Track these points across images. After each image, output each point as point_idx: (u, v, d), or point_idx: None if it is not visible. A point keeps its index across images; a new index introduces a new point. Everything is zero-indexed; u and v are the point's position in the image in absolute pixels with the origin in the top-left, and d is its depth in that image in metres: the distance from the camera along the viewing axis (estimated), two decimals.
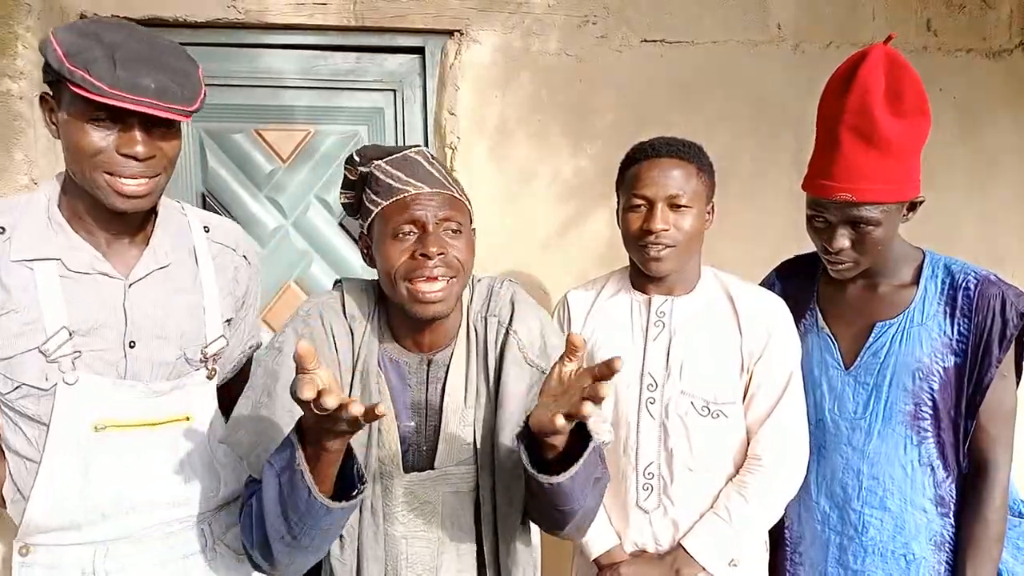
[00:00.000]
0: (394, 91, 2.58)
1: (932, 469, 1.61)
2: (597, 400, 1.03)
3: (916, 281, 1.64)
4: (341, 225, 2.60)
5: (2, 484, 1.41)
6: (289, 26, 2.39)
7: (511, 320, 1.43)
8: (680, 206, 1.60)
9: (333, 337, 1.40)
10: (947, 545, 1.62)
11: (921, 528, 1.62)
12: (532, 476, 1.17)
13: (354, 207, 1.47)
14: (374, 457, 1.39)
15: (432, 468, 1.40)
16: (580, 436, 1.19)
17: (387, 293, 1.37)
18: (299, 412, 1.20)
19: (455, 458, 1.41)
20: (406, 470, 1.40)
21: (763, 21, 2.70)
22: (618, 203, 1.74)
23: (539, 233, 2.60)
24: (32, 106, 2.00)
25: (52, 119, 1.32)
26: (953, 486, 1.62)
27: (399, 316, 1.40)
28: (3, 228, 1.33)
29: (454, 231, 1.34)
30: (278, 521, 1.18)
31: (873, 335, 1.64)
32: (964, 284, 1.58)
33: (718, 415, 1.64)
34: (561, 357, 1.15)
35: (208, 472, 1.48)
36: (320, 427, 1.09)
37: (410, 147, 1.41)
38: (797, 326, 1.73)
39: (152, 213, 1.47)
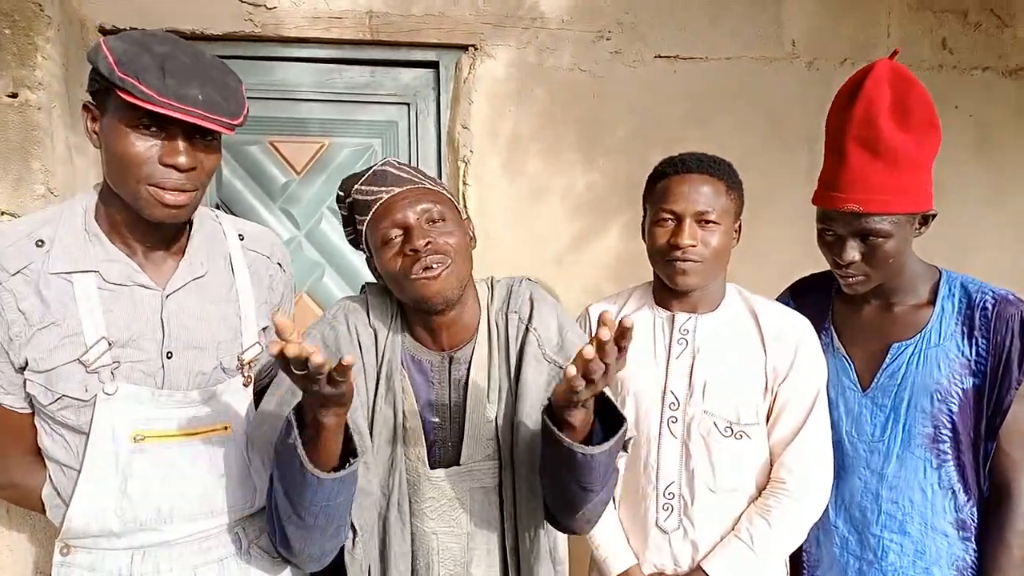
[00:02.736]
0: (408, 105, 2.59)
1: (953, 492, 1.59)
2: (603, 357, 1.05)
3: (932, 301, 1.62)
4: None
5: (42, 491, 1.42)
6: (305, 39, 2.41)
7: (530, 317, 1.47)
8: (708, 222, 1.58)
9: (358, 338, 1.45)
10: (969, 570, 1.60)
11: (942, 553, 1.60)
12: (566, 446, 1.19)
13: (356, 239, 1.51)
14: (399, 454, 1.43)
15: (458, 464, 1.43)
16: (602, 422, 1.25)
17: (398, 296, 1.42)
18: None
19: (480, 453, 1.44)
20: (432, 466, 1.44)
21: (777, 37, 2.69)
22: (644, 216, 1.73)
23: (551, 247, 2.60)
24: (50, 116, 2.02)
25: (94, 128, 1.33)
26: (974, 510, 1.60)
27: (416, 316, 1.44)
28: (42, 241, 1.34)
29: (435, 220, 1.37)
30: (284, 501, 1.24)
31: (890, 356, 1.63)
32: (981, 304, 1.56)
33: (741, 436, 1.62)
34: (590, 340, 1.17)
35: (244, 482, 1.48)
36: (309, 396, 1.14)
37: (378, 163, 1.46)
38: None
39: (187, 223, 1.48)
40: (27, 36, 1.98)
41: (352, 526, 1.37)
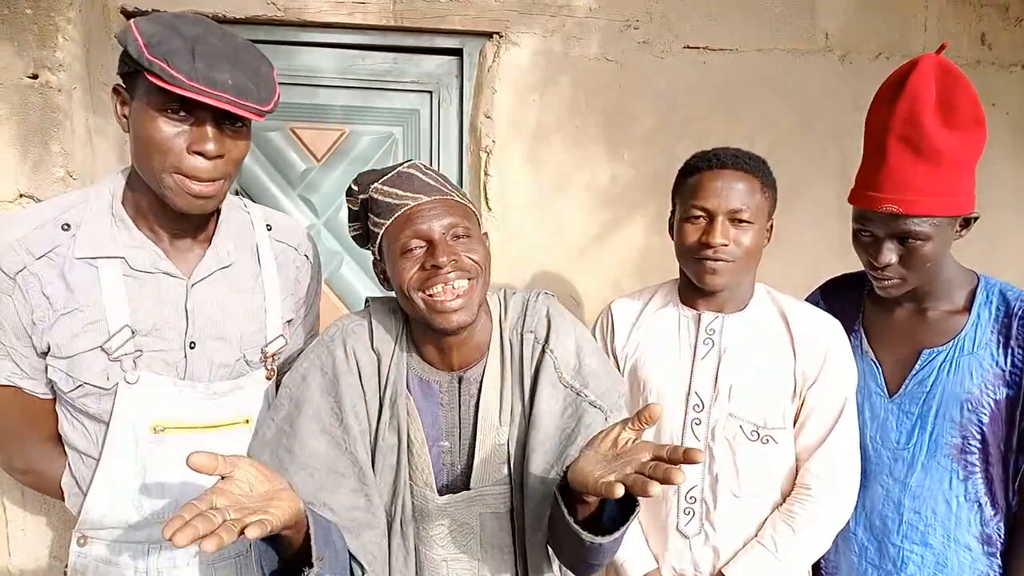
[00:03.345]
0: (430, 92, 2.55)
1: (979, 506, 1.54)
2: (668, 482, 0.97)
3: (968, 307, 1.57)
4: None
5: (61, 478, 1.42)
6: (328, 24, 2.38)
7: (547, 337, 1.39)
8: (742, 221, 1.53)
9: (357, 364, 1.38)
10: None
11: (965, 567, 1.55)
12: (574, 531, 1.13)
13: (363, 237, 1.45)
14: (403, 481, 1.36)
15: (468, 489, 1.37)
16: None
17: (407, 310, 1.34)
18: (318, 446, 1.29)
19: (491, 478, 1.38)
20: (441, 492, 1.38)
21: (810, 30, 2.63)
22: (673, 211, 1.68)
23: (573, 240, 2.56)
24: (70, 98, 2.01)
25: (123, 112, 1.31)
26: (1001, 524, 1.55)
27: (425, 333, 1.37)
28: (68, 225, 1.32)
29: (461, 235, 1.30)
30: None
31: (920, 362, 1.58)
32: (1020, 312, 1.51)
33: (767, 440, 1.57)
34: (624, 422, 1.11)
35: None
36: None
37: (403, 163, 1.38)
38: None
39: (215, 212, 1.45)
40: (48, 17, 1.97)
41: (360, 564, 1.30)
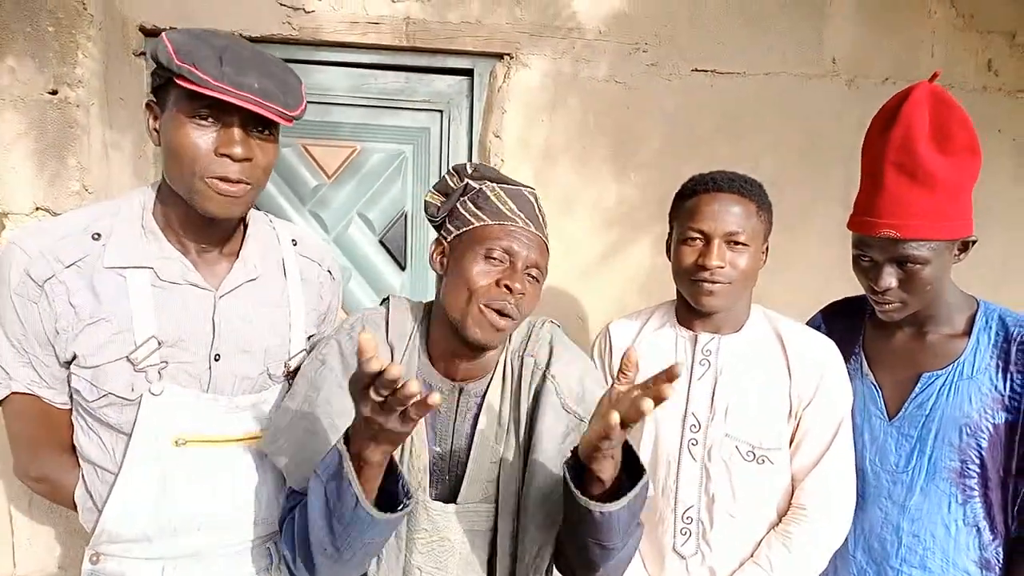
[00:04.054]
0: (441, 112, 2.59)
1: (978, 530, 1.55)
2: (659, 399, 1.01)
3: (968, 332, 1.58)
4: (381, 243, 2.61)
5: (75, 489, 1.42)
6: (341, 44, 2.42)
7: (549, 363, 1.41)
8: (738, 243, 1.55)
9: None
10: None
11: None
12: (582, 504, 1.15)
13: (437, 209, 1.45)
14: (408, 479, 1.37)
15: (455, 502, 1.38)
16: (628, 474, 1.19)
17: (450, 306, 1.34)
18: (340, 423, 1.24)
19: (478, 495, 1.39)
20: (432, 497, 1.39)
21: (817, 54, 2.65)
22: (670, 233, 1.70)
23: (579, 260, 2.58)
24: (88, 114, 2.05)
25: (154, 126, 1.34)
26: (1000, 549, 1.55)
27: (442, 339, 1.40)
28: (99, 234, 1.34)
29: (533, 278, 1.35)
30: (323, 532, 1.17)
31: (919, 386, 1.59)
32: (1019, 338, 1.52)
33: (763, 460, 1.58)
34: (615, 378, 1.15)
35: (280, 493, 1.47)
36: (366, 428, 1.08)
37: (525, 185, 1.42)
38: None
39: (242, 225, 1.47)
40: (70, 34, 2.02)
41: None
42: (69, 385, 1.36)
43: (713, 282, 1.55)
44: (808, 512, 1.58)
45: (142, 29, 2.30)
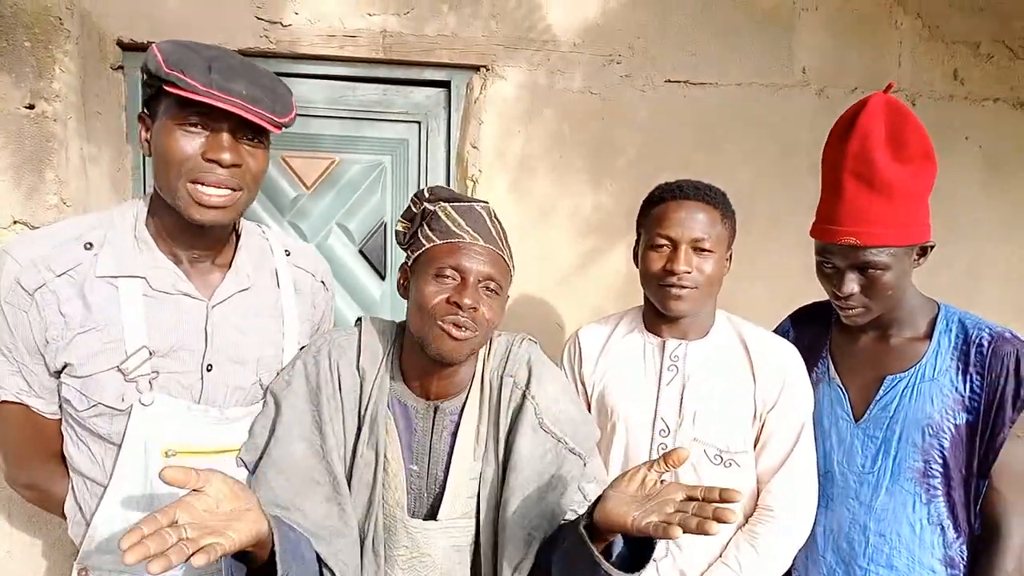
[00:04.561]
0: (419, 123, 2.62)
1: (942, 528, 1.58)
2: (707, 534, 1.01)
3: (930, 335, 1.62)
4: (361, 252, 2.63)
5: (64, 498, 1.41)
6: (319, 57, 2.44)
7: (528, 383, 1.44)
8: (703, 250, 1.59)
9: (339, 379, 1.42)
10: None
11: None
12: (607, 572, 1.14)
13: (406, 237, 1.48)
14: (378, 498, 1.39)
15: (435, 519, 1.40)
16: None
17: (412, 328, 1.38)
18: (296, 452, 1.33)
19: (459, 510, 1.41)
20: (411, 515, 1.41)
21: (788, 65, 2.70)
22: (638, 240, 1.74)
23: (557, 267, 2.61)
24: (66, 127, 2.05)
25: (146, 137, 1.34)
26: (964, 547, 1.58)
27: (413, 358, 1.42)
28: (91, 244, 1.34)
29: (491, 290, 1.36)
30: None
31: (883, 388, 1.62)
32: (978, 340, 1.56)
33: (730, 464, 1.62)
34: (649, 464, 1.15)
35: None
36: None
37: (478, 200, 1.44)
38: (809, 375, 1.71)
39: (234, 235, 1.48)
40: (46, 49, 2.03)
41: (329, 569, 1.33)
42: (59, 395, 1.36)
43: (681, 287, 1.58)
44: (775, 513, 1.61)
45: (119, 43, 2.31)
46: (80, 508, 1.39)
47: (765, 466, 1.65)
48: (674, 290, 1.59)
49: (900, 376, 1.61)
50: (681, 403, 1.64)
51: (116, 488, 1.34)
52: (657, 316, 1.69)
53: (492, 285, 1.36)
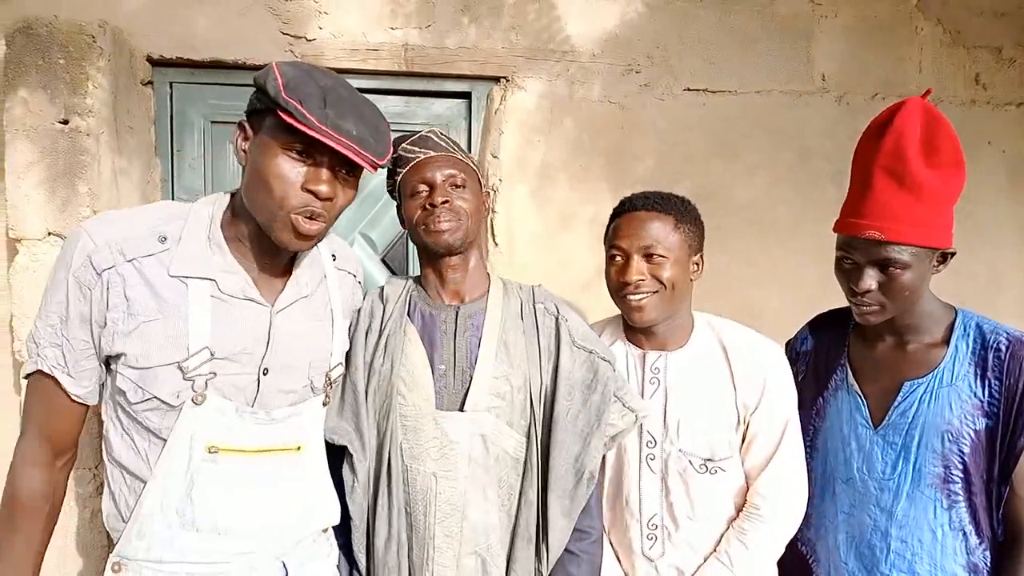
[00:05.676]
0: None
1: (964, 534, 1.57)
2: None
3: (947, 340, 1.61)
4: (383, 261, 2.67)
5: (28, 501, 1.38)
6: (343, 70, 2.48)
7: (558, 311, 1.65)
8: (655, 255, 1.63)
9: (371, 307, 1.67)
10: None
11: None
12: None
13: (393, 188, 1.71)
14: (396, 403, 1.56)
15: (462, 410, 1.56)
16: None
17: (414, 240, 1.65)
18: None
19: (484, 404, 1.54)
20: (440, 409, 1.56)
21: (807, 72, 2.71)
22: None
23: (577, 275, 2.63)
24: (98, 142, 2.12)
25: (243, 146, 1.38)
26: (987, 553, 1.57)
27: (426, 262, 1.66)
28: (165, 237, 1.36)
29: (457, 185, 1.59)
30: None
31: (901, 394, 1.62)
32: (995, 345, 1.55)
33: (716, 471, 1.66)
34: None
35: (302, 506, 1.49)
36: None
37: (424, 130, 1.69)
38: (827, 382, 1.72)
39: None
40: (80, 66, 2.09)
41: (352, 470, 1.55)
42: (105, 385, 1.38)
43: (638, 295, 1.63)
44: (762, 511, 1.65)
45: (149, 59, 2.38)
46: (116, 502, 1.40)
47: (751, 465, 1.69)
48: (631, 299, 1.65)
49: (918, 382, 1.61)
50: (665, 415, 1.68)
51: (158, 483, 1.36)
52: (633, 327, 1.73)
53: (457, 180, 1.59)
